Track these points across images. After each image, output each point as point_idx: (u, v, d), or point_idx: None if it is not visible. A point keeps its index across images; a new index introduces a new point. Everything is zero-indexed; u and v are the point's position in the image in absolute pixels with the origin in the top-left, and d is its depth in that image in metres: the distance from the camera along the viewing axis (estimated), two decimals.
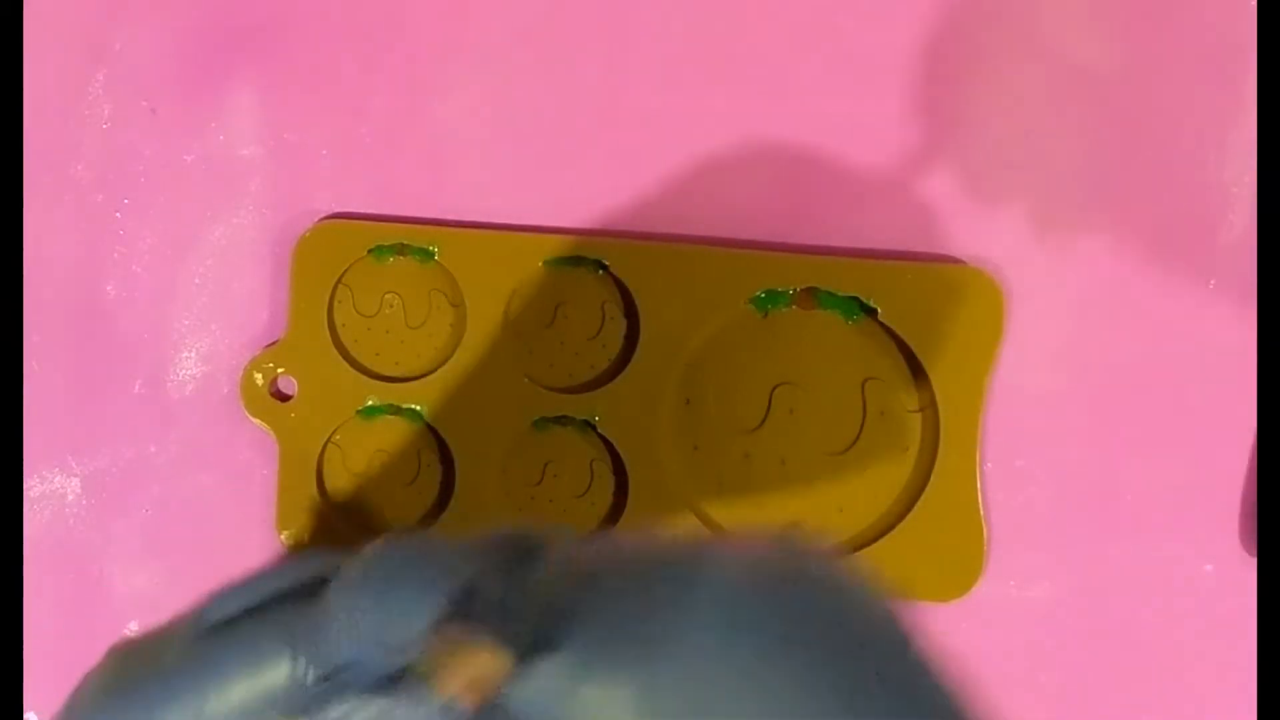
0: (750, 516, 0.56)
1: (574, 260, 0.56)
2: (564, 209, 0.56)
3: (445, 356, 0.56)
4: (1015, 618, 0.56)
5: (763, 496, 0.56)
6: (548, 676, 0.24)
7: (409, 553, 0.29)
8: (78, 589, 0.56)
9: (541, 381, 0.56)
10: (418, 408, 0.55)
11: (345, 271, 0.56)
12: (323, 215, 0.56)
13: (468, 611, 0.25)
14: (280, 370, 0.56)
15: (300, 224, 0.56)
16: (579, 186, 0.56)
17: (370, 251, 0.56)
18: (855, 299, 0.55)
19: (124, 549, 0.56)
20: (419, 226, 0.56)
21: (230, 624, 0.29)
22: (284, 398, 0.56)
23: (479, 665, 0.24)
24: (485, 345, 0.55)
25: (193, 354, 0.56)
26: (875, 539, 0.55)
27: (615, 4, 0.56)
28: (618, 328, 0.56)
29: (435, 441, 0.56)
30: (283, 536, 0.55)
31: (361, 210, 0.56)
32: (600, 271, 0.56)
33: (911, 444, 0.56)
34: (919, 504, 0.55)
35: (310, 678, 0.28)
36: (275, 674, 0.28)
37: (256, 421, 0.56)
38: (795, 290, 0.55)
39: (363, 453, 0.56)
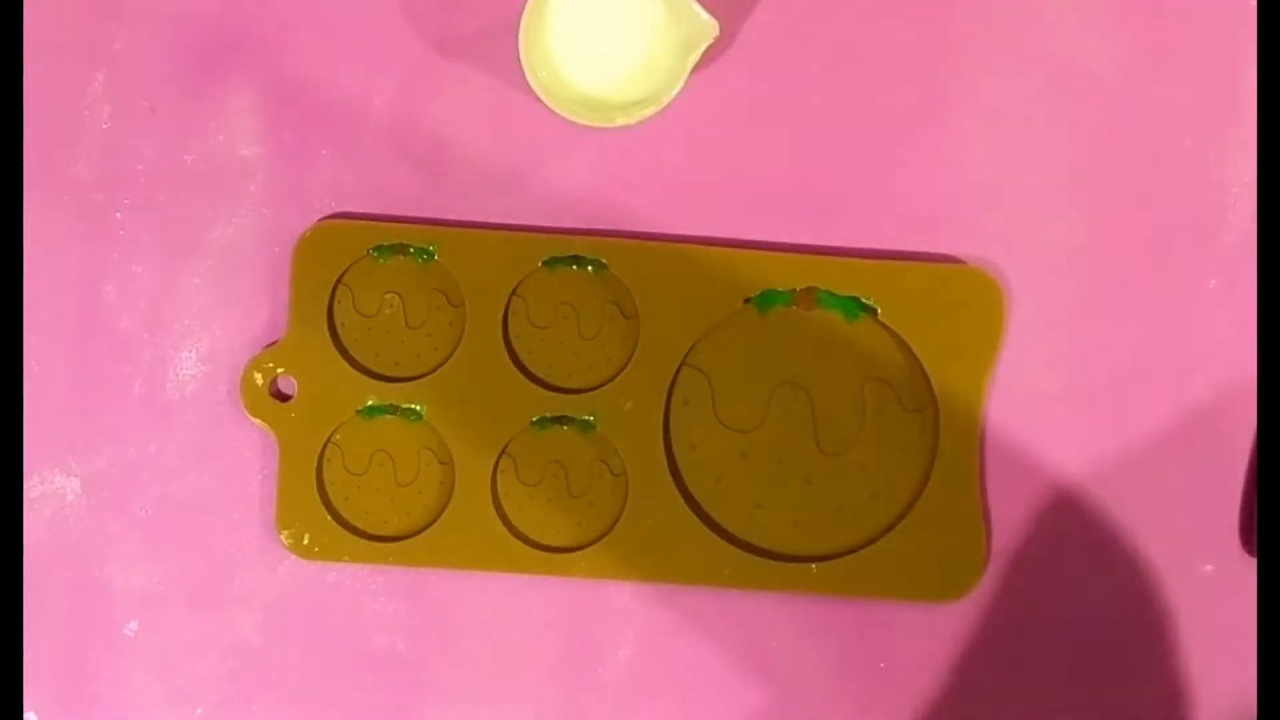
0: (749, 516, 0.56)
1: (574, 260, 0.56)
2: (564, 209, 0.56)
3: (445, 356, 0.56)
4: (1015, 618, 0.56)
5: (761, 496, 0.56)
6: None
7: None
8: (78, 589, 0.56)
9: (542, 381, 0.56)
10: (418, 408, 0.56)
11: (345, 271, 0.56)
12: (323, 215, 0.56)
13: None
14: (280, 370, 0.56)
15: (300, 224, 0.56)
16: (579, 186, 0.56)
17: (370, 251, 0.56)
18: (855, 299, 0.55)
19: (124, 549, 0.56)
20: (419, 226, 0.56)
21: None
22: (284, 398, 0.56)
23: None
24: (485, 345, 0.55)
25: (193, 354, 0.56)
26: (875, 539, 0.55)
27: None
28: (618, 328, 0.56)
29: (435, 441, 0.56)
30: (283, 536, 0.55)
31: (361, 210, 0.56)
32: (600, 271, 0.56)
33: (911, 444, 0.56)
34: (919, 504, 0.55)
35: None
36: None
37: (256, 421, 0.56)
38: (795, 290, 0.56)
39: (363, 453, 0.56)
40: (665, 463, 0.55)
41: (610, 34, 0.52)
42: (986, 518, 0.55)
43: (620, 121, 0.51)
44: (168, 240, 0.56)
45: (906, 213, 0.56)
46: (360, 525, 0.56)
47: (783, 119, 0.56)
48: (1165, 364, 0.56)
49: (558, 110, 0.51)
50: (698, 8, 0.50)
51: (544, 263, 0.55)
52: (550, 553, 0.55)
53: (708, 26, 0.50)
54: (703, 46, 0.50)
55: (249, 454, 0.56)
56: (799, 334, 0.56)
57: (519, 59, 0.51)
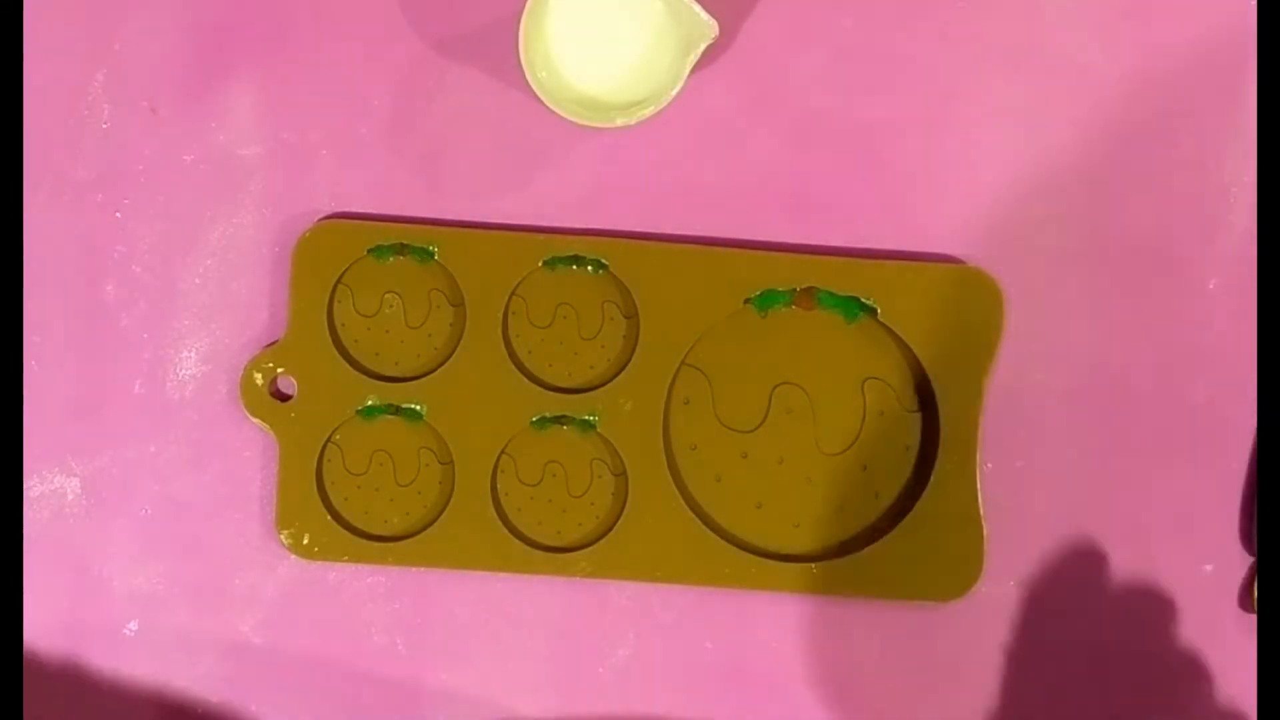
0: (749, 516, 0.56)
1: (574, 260, 0.56)
2: (564, 209, 0.56)
3: (445, 356, 0.56)
4: (1015, 618, 0.56)
5: (761, 496, 0.56)
6: None
7: None
8: (78, 589, 0.56)
9: (541, 381, 0.56)
10: (418, 408, 0.56)
11: (345, 271, 0.56)
12: (323, 215, 0.56)
13: None
14: (280, 370, 0.56)
15: (300, 224, 0.56)
16: (579, 186, 0.56)
17: (370, 251, 0.56)
18: (855, 299, 0.55)
19: (124, 549, 0.56)
20: (419, 226, 0.56)
21: None
22: (284, 398, 0.56)
23: None
24: (485, 345, 0.55)
25: (193, 354, 0.56)
26: (875, 539, 0.55)
27: None
28: (618, 328, 0.56)
29: (435, 441, 0.56)
30: (283, 536, 0.55)
31: (361, 210, 0.56)
32: (600, 271, 0.56)
33: (911, 444, 0.56)
34: (919, 504, 0.55)
35: None
36: None
37: (256, 421, 0.56)
38: (795, 290, 0.56)
39: (363, 453, 0.56)
40: (665, 463, 0.55)
41: (610, 34, 0.52)
42: (986, 518, 0.55)
43: (620, 121, 0.51)
44: (168, 241, 0.56)
45: (906, 213, 0.56)
46: (360, 525, 0.56)
47: (783, 119, 0.56)
48: (1165, 364, 0.56)
49: (558, 110, 0.51)
50: (698, 8, 0.50)
51: (544, 263, 0.55)
52: (550, 553, 0.55)
53: (708, 26, 0.50)
54: (702, 46, 0.50)
55: (249, 454, 0.56)
56: (799, 334, 0.56)
57: (519, 59, 0.51)
